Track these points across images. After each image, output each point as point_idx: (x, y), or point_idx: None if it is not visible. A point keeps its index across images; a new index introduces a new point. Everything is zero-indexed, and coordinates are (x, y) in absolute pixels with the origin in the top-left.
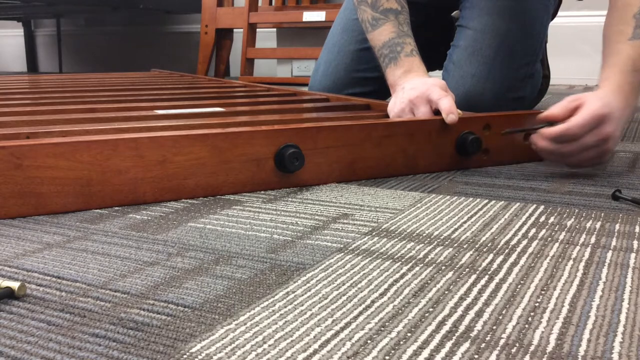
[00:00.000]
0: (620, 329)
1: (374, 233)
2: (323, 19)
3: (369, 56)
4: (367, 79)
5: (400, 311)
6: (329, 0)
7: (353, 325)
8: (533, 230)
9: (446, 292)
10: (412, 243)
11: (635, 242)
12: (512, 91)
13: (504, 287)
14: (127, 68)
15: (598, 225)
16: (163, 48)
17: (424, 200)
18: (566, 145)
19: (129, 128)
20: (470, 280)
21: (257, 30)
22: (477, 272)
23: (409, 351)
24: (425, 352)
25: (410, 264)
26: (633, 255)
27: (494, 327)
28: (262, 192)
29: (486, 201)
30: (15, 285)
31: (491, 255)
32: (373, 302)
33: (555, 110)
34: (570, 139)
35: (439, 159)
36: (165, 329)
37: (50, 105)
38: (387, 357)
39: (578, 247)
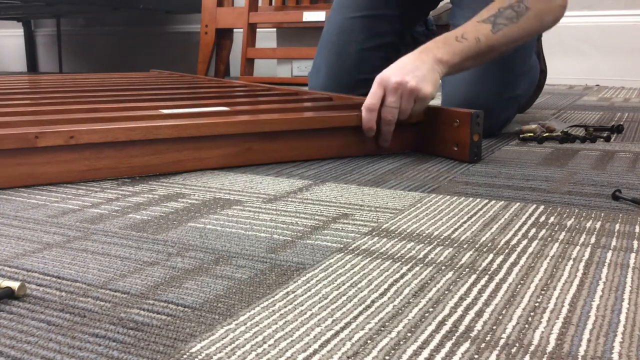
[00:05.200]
0: (620, 329)
1: (374, 233)
2: (323, 19)
3: (371, 56)
4: (371, 80)
5: (400, 311)
6: (328, 0)
7: (353, 325)
8: (533, 230)
9: (446, 292)
10: (412, 243)
11: (635, 242)
12: (508, 90)
13: (504, 287)
14: (127, 68)
15: (598, 225)
16: (163, 48)
17: (424, 200)
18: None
19: (136, 127)
20: (470, 280)
21: (257, 30)
22: (477, 272)
23: (409, 351)
24: (425, 352)
25: (410, 264)
26: (633, 255)
27: (494, 327)
28: (262, 192)
29: (486, 201)
30: (15, 285)
31: (491, 255)
32: (373, 302)
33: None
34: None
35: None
36: (165, 329)
37: (53, 105)
38: (387, 357)
39: (578, 247)
